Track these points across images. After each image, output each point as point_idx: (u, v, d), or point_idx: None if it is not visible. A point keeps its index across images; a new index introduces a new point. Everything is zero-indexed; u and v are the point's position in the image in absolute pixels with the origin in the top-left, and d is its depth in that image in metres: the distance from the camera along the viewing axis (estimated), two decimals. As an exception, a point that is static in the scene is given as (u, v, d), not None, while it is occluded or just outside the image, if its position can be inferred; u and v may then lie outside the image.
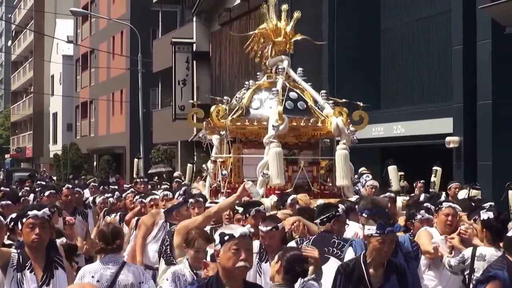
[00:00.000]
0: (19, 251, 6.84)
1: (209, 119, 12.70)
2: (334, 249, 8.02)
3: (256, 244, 7.68)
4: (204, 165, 13.44)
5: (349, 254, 7.74)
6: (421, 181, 18.12)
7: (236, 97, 12.61)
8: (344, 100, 12.56)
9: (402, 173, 18.30)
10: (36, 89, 78.29)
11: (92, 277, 7.54)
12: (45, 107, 77.63)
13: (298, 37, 13.32)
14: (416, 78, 23.77)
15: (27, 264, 6.81)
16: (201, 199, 10.54)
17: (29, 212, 6.81)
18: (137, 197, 13.59)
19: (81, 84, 66.34)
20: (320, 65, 26.56)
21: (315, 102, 12.72)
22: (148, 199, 12.64)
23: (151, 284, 7.86)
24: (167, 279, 7.36)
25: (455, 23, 21.38)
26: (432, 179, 17.54)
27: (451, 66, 21.60)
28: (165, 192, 12.74)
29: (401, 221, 9.49)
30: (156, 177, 35.70)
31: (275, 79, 12.78)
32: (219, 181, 12.62)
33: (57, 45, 70.06)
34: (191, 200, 10.45)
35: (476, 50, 20.38)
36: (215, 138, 13.25)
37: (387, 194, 11.78)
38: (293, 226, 8.57)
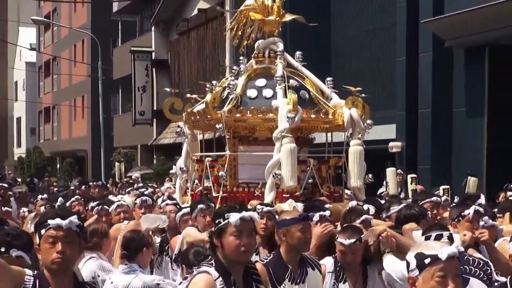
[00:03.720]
0: (35, 273, 4.54)
1: (189, 111, 10.25)
2: (472, 267, 6.27)
3: (330, 261, 6.40)
4: (181, 166, 10.37)
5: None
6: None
7: (230, 84, 9.71)
8: (358, 88, 10.22)
9: (415, 175, 16.31)
10: (0, 95, 77.66)
11: None
12: (9, 112, 77.00)
13: (290, 16, 10.61)
14: (363, 87, 24.03)
15: None
16: (213, 205, 8.46)
17: (49, 221, 4.49)
18: (92, 204, 10.55)
19: (44, 90, 66.01)
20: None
21: (319, 91, 10.32)
22: (114, 206, 10.11)
23: (107, 278, 6.93)
24: None
25: (400, 36, 21.72)
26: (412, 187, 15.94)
27: (395, 76, 21.97)
28: (144, 198, 10.04)
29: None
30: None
31: (268, 64, 10.21)
32: (211, 184, 10.01)
33: (20, 52, 69.63)
34: (201, 206, 8.28)
35: (418, 62, 20.75)
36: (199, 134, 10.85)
37: (434, 198, 9.68)
38: (381, 238, 6.25)
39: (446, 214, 9.06)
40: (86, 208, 10.96)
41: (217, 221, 4.90)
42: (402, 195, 14.62)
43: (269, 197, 9.08)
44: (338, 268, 6.34)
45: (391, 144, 20.89)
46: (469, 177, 14.01)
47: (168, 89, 11.03)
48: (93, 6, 50.03)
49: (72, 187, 22.34)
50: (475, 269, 6.19)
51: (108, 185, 25.95)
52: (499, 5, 17.17)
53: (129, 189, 17.71)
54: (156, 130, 38.79)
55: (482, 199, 9.83)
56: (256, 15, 10.38)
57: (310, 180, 9.95)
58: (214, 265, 4.86)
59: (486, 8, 17.57)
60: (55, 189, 22.75)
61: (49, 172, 51.89)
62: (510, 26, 17.36)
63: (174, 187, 11.36)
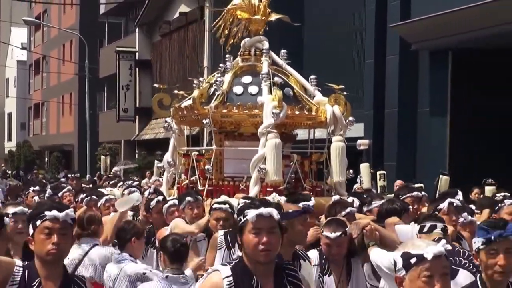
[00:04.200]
0: (25, 264, 4.41)
1: (176, 106, 9.99)
2: (462, 259, 5.87)
3: (315, 254, 6.22)
4: (168, 160, 10.12)
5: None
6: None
7: (217, 81, 9.52)
8: (341, 86, 9.94)
9: (383, 172, 16.44)
10: (-8, 91, 77.40)
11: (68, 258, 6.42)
12: (0, 107, 76.62)
13: (275, 16, 10.44)
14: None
15: (34, 284, 4.31)
16: (200, 198, 8.33)
17: (46, 213, 4.35)
18: (82, 195, 10.46)
19: (34, 87, 65.82)
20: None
21: (302, 88, 10.11)
22: (103, 200, 9.81)
23: (118, 266, 6.77)
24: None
25: (368, 39, 21.72)
26: (380, 183, 16.14)
27: (364, 77, 21.96)
28: (132, 189, 10.35)
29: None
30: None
31: (254, 61, 10.04)
32: (197, 178, 9.80)
33: (11, 51, 69.23)
34: (189, 198, 8.07)
35: (385, 64, 20.77)
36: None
37: (414, 193, 9.30)
38: (365, 231, 6.07)
39: (425, 209, 8.70)
40: (76, 199, 10.73)
41: (238, 218, 4.36)
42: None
43: (253, 190, 8.88)
44: (323, 261, 6.20)
45: (359, 141, 20.86)
46: (441, 176, 13.82)
47: (157, 85, 10.53)
48: (81, 8, 49.97)
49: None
50: (465, 261, 5.84)
51: (95, 178, 25.86)
52: (462, 11, 17.16)
53: (113, 181, 17.71)
54: (139, 126, 38.89)
55: (460, 195, 9.34)
56: (243, 14, 10.21)
57: (292, 175, 9.75)
58: (233, 263, 4.31)
59: (449, 14, 17.55)
60: (46, 182, 22.27)
61: (37, 165, 51.68)
62: (472, 31, 17.37)
63: (161, 180, 11.03)
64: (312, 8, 25.54)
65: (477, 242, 4.52)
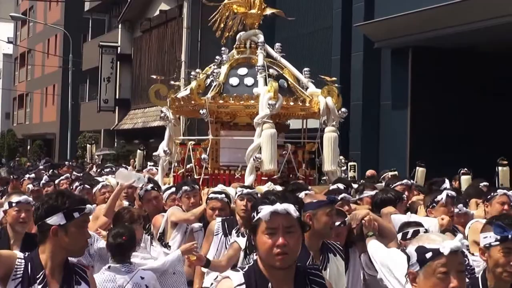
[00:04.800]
0: (26, 255, 3.95)
1: (173, 96, 9.66)
2: None
3: None
4: (164, 148, 9.70)
5: None
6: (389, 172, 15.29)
7: (214, 72, 9.31)
8: (334, 78, 9.69)
9: (354, 163, 15.82)
10: (-21, 82, 76.71)
11: None
12: (-14, 98, 76.13)
13: (270, 10, 10.24)
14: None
15: (38, 277, 3.86)
16: (197, 187, 7.95)
17: (87, 206, 4.00)
18: (76, 183, 9.77)
19: (19, 79, 65.33)
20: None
21: (296, 80, 9.85)
22: (99, 186, 9.10)
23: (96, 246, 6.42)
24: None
25: (335, 37, 21.90)
26: (351, 174, 15.44)
27: (331, 73, 22.08)
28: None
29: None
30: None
31: (249, 54, 9.78)
32: (192, 166, 9.44)
33: (-2, 45, 68.85)
34: (185, 187, 7.73)
35: (350, 61, 20.98)
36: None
37: (404, 181, 9.02)
38: (363, 221, 5.69)
39: (415, 198, 8.55)
40: (71, 187, 9.96)
41: (252, 215, 3.53)
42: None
43: (249, 179, 8.62)
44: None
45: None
46: (417, 168, 13.65)
47: (154, 76, 10.34)
48: (66, 4, 49.43)
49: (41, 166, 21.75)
50: None
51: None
52: (421, 12, 17.39)
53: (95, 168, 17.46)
54: (118, 117, 38.76)
55: (447, 183, 9.23)
56: (240, 8, 10.02)
57: (285, 165, 9.53)
58: (246, 268, 3.52)
59: (410, 15, 17.78)
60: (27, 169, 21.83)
61: (20, 153, 51.35)
62: (430, 30, 17.62)
63: (156, 168, 10.68)
64: (282, 7, 25.67)
65: (489, 238, 4.06)
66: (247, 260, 6.15)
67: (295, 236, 3.43)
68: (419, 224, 5.70)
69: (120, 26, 39.16)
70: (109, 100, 38.91)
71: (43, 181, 11.40)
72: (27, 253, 3.98)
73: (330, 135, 9.33)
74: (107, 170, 15.17)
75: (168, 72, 32.65)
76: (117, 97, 38.72)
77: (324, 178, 9.94)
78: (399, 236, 5.63)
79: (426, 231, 5.51)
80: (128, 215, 6.46)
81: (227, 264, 6.12)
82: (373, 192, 7.71)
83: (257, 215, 3.45)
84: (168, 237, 7.34)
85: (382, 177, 13.30)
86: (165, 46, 34.32)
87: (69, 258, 4.02)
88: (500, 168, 12.67)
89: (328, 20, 22.90)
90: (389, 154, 19.37)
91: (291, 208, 3.42)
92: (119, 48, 39.02)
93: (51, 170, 18.61)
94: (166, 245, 7.30)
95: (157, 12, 35.10)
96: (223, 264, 6.13)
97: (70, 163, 23.62)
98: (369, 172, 15.28)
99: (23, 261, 3.86)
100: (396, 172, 14.72)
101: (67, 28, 43.76)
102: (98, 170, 18.77)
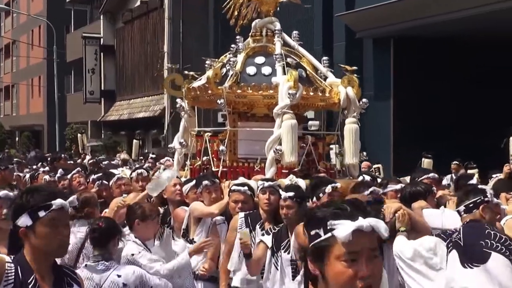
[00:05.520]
0: (13, 258, 3.56)
1: (188, 87, 9.06)
2: (493, 242, 4.92)
3: None
4: (181, 139, 9.16)
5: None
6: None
7: (230, 61, 8.67)
8: (354, 67, 9.03)
9: (378, 165, 15.34)
10: (-35, 74, 76.01)
11: None
12: (-27, 89, 75.49)
13: None
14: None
15: (30, 281, 3.48)
16: (218, 181, 7.54)
17: (53, 202, 3.50)
18: (93, 176, 9.57)
19: (4, 70, 64.55)
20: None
21: (314, 70, 9.17)
22: (115, 178, 8.86)
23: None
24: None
25: (317, 28, 21.68)
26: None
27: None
28: (139, 171, 8.94)
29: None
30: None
31: (265, 42, 9.13)
32: (208, 159, 8.93)
33: (-18, 36, 68.16)
34: (206, 182, 7.29)
35: (332, 50, 20.72)
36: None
37: (431, 175, 8.25)
38: (397, 215, 5.30)
39: (440, 192, 7.82)
40: (88, 180, 9.83)
41: (313, 232, 2.51)
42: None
43: (270, 172, 8.03)
44: None
45: (310, 122, 20.73)
46: (423, 159, 13.24)
47: (170, 65, 9.60)
48: (49, -4, 48.99)
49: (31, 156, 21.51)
50: (496, 244, 4.90)
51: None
52: (402, 1, 17.22)
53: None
54: (104, 108, 38.53)
55: (475, 179, 8.68)
56: None
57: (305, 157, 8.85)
58: None
59: (391, 4, 17.55)
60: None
61: (8, 145, 50.92)
62: (412, 20, 17.39)
63: (172, 161, 10.11)
64: None
65: None
66: (275, 258, 6.01)
67: (379, 262, 2.52)
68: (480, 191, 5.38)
69: (102, 17, 38.80)
70: (94, 92, 38.59)
71: (58, 175, 10.90)
72: (12, 256, 3.56)
73: (351, 127, 8.61)
74: (105, 163, 15.01)
75: (152, 62, 32.72)
76: (102, 88, 38.43)
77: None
78: (433, 216, 5.30)
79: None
80: (140, 211, 6.22)
81: (258, 266, 6.05)
82: (397, 186, 7.31)
83: (325, 232, 2.45)
84: (192, 233, 7.11)
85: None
86: (147, 37, 34.05)
87: (56, 260, 3.64)
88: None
89: (310, 10, 22.59)
90: (372, 145, 19.08)
91: (380, 225, 2.47)
92: (101, 39, 38.67)
93: (40, 163, 18.42)
94: (192, 241, 7.02)
95: (138, 3, 34.79)
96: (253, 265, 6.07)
97: (65, 155, 23.30)
98: (365, 164, 14.98)
99: (12, 265, 3.46)
100: (380, 165, 14.46)
101: (50, 19, 43.49)
102: (92, 161, 18.57)
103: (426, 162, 13.23)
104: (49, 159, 21.05)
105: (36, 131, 52.45)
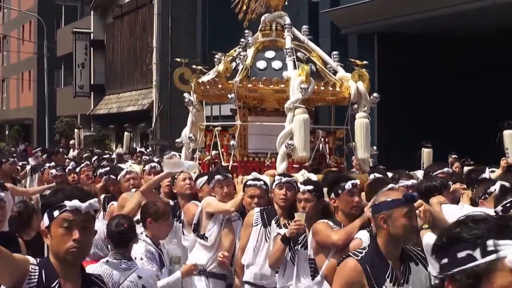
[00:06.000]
0: (39, 261, 3.35)
1: (197, 81, 8.86)
2: None
3: (366, 235, 5.22)
4: (189, 135, 8.95)
5: None
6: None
7: (240, 55, 8.46)
8: (365, 62, 8.79)
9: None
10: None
11: None
12: (-36, 83, 75.08)
13: None
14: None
15: (53, 285, 3.29)
16: (230, 176, 7.30)
17: (66, 202, 3.33)
18: (101, 170, 9.43)
19: (-5, 64, 64.56)
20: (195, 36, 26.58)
21: (324, 64, 8.92)
22: (123, 172, 8.50)
23: None
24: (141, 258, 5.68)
25: (303, 24, 21.65)
26: None
27: (299, 58, 21.90)
28: (153, 164, 8.89)
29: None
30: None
31: (275, 37, 8.93)
32: (216, 153, 8.78)
33: (-26, 31, 67.81)
34: (218, 177, 7.05)
35: (318, 46, 20.68)
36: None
37: (445, 169, 8.05)
38: (418, 212, 4.78)
39: (453, 187, 7.37)
40: (95, 174, 9.69)
41: (462, 254, 2.01)
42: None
43: (281, 167, 7.80)
44: None
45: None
46: (423, 149, 13.02)
47: (178, 59, 9.11)
48: (39, -9, 48.77)
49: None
50: None
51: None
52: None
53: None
54: (94, 102, 38.49)
55: (487, 173, 8.28)
56: None
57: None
58: None
59: (375, 1, 17.62)
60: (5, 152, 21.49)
61: (-2, 138, 50.81)
62: (396, 17, 17.46)
63: (179, 155, 9.91)
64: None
65: None
66: (291, 253, 5.92)
67: None
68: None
69: (92, 12, 38.74)
70: (84, 86, 38.64)
71: (69, 167, 10.84)
72: (38, 259, 3.38)
73: (362, 121, 8.44)
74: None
75: (141, 57, 32.65)
76: (91, 82, 38.47)
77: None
78: (453, 212, 5.12)
79: None
80: (153, 209, 6.06)
81: (280, 257, 5.98)
82: (409, 182, 7.02)
83: (484, 254, 1.95)
84: (204, 228, 6.93)
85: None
86: (136, 32, 33.95)
87: (85, 267, 3.49)
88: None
89: (296, 6, 22.61)
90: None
91: None
92: (92, 34, 38.63)
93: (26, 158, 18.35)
94: (203, 237, 6.89)
95: None
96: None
97: (63, 150, 23.19)
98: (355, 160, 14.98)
99: (37, 267, 3.27)
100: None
101: (40, 14, 43.15)
102: (86, 155, 18.51)
103: (426, 152, 12.94)
104: (45, 154, 20.94)
105: (26, 124, 52.08)
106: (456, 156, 14.35)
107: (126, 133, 21.46)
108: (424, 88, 18.84)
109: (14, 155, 20.55)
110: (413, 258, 4.23)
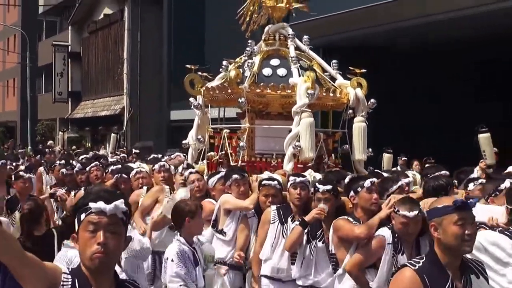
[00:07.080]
0: (71, 270, 2.62)
1: (206, 86, 8.29)
2: None
3: (388, 232, 4.83)
4: (198, 137, 8.36)
5: None
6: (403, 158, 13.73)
7: (248, 62, 7.94)
8: (363, 70, 8.21)
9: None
10: None
11: None
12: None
13: (297, 4, 8.58)
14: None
15: None
16: (246, 175, 6.68)
17: (91, 204, 2.59)
18: (113, 167, 8.69)
19: (-17, 74, 62.04)
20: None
21: (323, 72, 8.36)
22: (134, 172, 7.80)
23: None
24: (172, 260, 4.98)
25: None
26: None
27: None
28: (162, 163, 7.93)
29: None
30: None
31: (278, 46, 8.35)
32: (225, 154, 8.17)
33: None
34: (235, 176, 6.45)
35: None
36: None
37: (443, 172, 7.17)
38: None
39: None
40: (106, 171, 8.93)
41: None
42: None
43: (288, 167, 7.31)
44: (395, 240, 4.80)
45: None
46: (384, 154, 12.02)
47: (189, 66, 8.42)
48: (23, 8, 46.89)
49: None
50: None
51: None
52: (348, 12, 15.63)
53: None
54: (71, 107, 37.56)
55: (476, 173, 8.01)
56: (268, 1, 8.45)
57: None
58: None
59: (335, 15, 16.06)
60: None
61: (-16, 139, 48.48)
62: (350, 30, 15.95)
63: (184, 155, 9.20)
64: (213, 7, 23.60)
65: None
66: (310, 247, 5.55)
67: None
68: None
69: (70, 27, 37.83)
70: (62, 93, 37.55)
71: (76, 169, 9.40)
72: (70, 268, 2.62)
73: (359, 125, 8.00)
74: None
75: (113, 68, 32.16)
76: (69, 89, 37.52)
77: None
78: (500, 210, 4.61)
79: None
80: (188, 209, 5.21)
81: (298, 240, 5.58)
82: (406, 180, 6.34)
83: None
84: (221, 224, 6.36)
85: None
86: (109, 45, 32.96)
87: (119, 274, 2.67)
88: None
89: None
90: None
91: None
92: (69, 47, 37.75)
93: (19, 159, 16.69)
94: (221, 232, 6.32)
95: (102, 16, 33.69)
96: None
97: (51, 150, 21.41)
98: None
99: (69, 276, 2.54)
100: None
101: (24, 28, 41.61)
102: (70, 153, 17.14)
103: (386, 157, 12.10)
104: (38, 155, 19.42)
105: (10, 127, 50.01)
106: (405, 158, 13.55)
107: (113, 134, 19.57)
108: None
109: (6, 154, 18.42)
110: (473, 270, 3.32)
